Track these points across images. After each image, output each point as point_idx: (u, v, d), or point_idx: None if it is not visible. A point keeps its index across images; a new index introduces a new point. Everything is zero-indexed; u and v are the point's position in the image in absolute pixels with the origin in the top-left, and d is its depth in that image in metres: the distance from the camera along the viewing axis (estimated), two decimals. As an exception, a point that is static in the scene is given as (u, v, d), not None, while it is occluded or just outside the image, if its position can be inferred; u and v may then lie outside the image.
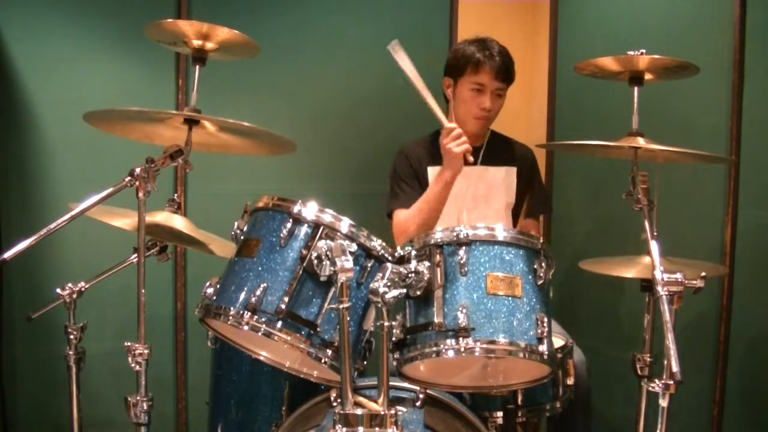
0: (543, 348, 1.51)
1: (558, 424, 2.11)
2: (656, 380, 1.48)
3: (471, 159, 2.13)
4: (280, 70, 2.72)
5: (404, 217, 2.27)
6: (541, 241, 1.61)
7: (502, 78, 2.29)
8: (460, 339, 1.48)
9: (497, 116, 2.38)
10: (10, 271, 2.51)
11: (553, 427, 2.15)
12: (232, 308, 1.53)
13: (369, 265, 1.57)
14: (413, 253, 1.58)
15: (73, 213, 1.49)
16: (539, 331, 1.51)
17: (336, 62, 2.81)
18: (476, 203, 2.34)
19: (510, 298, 1.52)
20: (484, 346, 1.49)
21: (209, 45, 1.76)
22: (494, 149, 2.41)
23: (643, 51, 1.77)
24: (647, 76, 1.84)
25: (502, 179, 2.39)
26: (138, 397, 1.56)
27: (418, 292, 1.53)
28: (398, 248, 1.62)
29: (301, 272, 1.52)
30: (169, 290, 2.67)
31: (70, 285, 1.79)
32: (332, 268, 1.47)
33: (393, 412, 1.44)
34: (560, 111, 2.95)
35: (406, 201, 2.33)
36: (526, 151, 2.48)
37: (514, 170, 2.40)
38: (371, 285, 1.44)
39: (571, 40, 2.88)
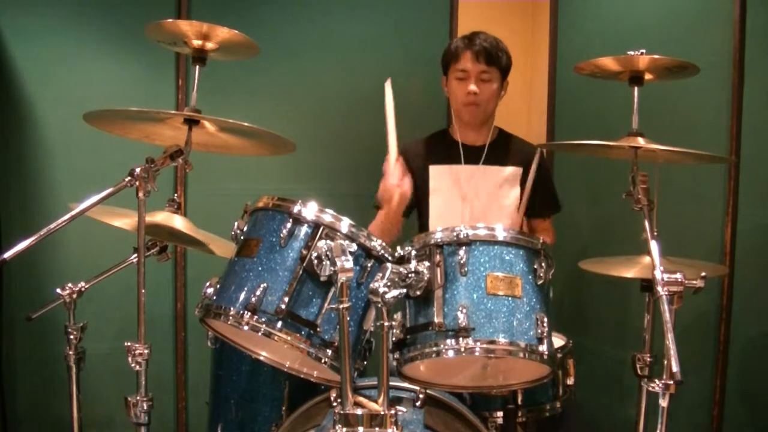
0: (543, 348, 1.51)
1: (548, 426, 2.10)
2: (656, 380, 1.48)
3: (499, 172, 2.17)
4: (280, 70, 2.72)
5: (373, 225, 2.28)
6: (542, 241, 1.61)
7: (484, 60, 2.28)
8: (460, 339, 1.48)
9: (494, 107, 2.36)
10: (10, 271, 2.51)
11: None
12: (232, 308, 1.52)
13: (369, 265, 1.57)
14: (413, 253, 1.58)
15: (73, 213, 1.49)
16: (539, 331, 1.51)
17: (336, 62, 2.81)
18: (482, 203, 2.33)
19: (510, 298, 1.52)
20: (484, 346, 1.49)
21: (209, 45, 1.76)
22: (499, 148, 2.39)
23: (643, 51, 1.77)
24: (647, 76, 1.84)
25: (507, 179, 2.37)
26: (138, 397, 1.55)
27: (418, 292, 1.53)
28: (398, 248, 1.62)
29: (301, 272, 1.52)
30: (169, 290, 2.67)
31: (70, 285, 1.79)
32: (332, 268, 1.47)
33: (393, 412, 1.44)
34: (560, 111, 2.95)
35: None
36: (532, 150, 2.42)
37: (519, 170, 2.38)
38: (371, 285, 1.44)
39: (571, 40, 2.88)
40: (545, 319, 1.53)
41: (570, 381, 1.94)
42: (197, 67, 1.78)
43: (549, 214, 2.50)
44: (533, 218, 2.46)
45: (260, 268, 1.55)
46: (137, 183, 1.52)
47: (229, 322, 1.53)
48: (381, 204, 2.23)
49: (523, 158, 2.40)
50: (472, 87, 2.29)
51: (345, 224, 1.56)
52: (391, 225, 2.23)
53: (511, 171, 2.39)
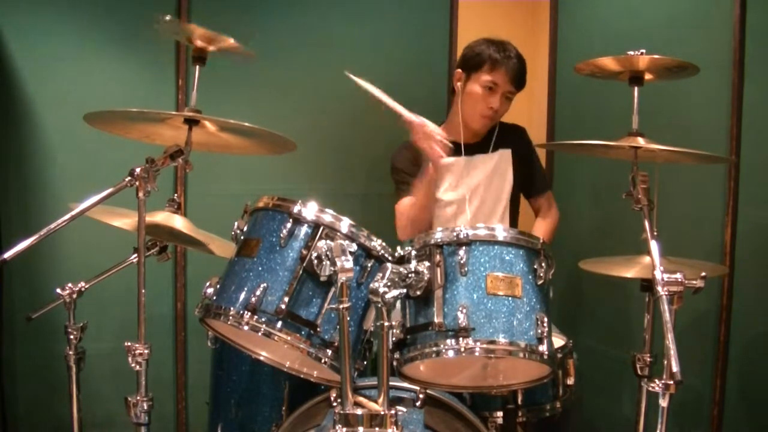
0: (543, 348, 1.51)
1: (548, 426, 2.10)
2: (656, 380, 1.48)
3: (447, 149, 2.14)
4: (280, 70, 2.72)
5: (402, 206, 2.31)
6: (541, 240, 1.61)
7: (516, 83, 2.31)
8: (460, 339, 1.48)
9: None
10: (10, 271, 2.51)
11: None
12: (232, 308, 1.53)
13: (369, 265, 1.57)
14: (413, 253, 1.58)
15: (73, 213, 1.49)
16: (539, 331, 1.51)
17: (336, 62, 2.79)
18: (477, 191, 2.34)
19: (510, 298, 1.52)
20: (484, 346, 1.49)
21: (211, 48, 1.76)
22: (487, 136, 2.42)
23: (643, 51, 1.77)
24: (647, 76, 1.84)
25: (498, 163, 2.39)
26: (138, 397, 1.56)
27: (418, 292, 1.53)
28: (398, 248, 1.62)
29: (301, 272, 1.52)
30: (169, 290, 2.67)
31: (70, 285, 1.79)
32: (332, 268, 1.47)
33: (393, 412, 1.44)
34: (560, 111, 2.95)
35: (409, 191, 2.35)
36: (518, 131, 2.49)
37: (508, 152, 2.41)
38: (371, 285, 1.44)
39: (571, 40, 2.88)
40: (545, 319, 1.53)
41: (570, 381, 1.94)
42: (197, 67, 1.78)
43: (545, 189, 2.53)
44: (533, 197, 2.50)
45: (260, 268, 1.55)
46: (137, 183, 1.52)
47: (229, 322, 1.53)
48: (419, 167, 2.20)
49: (509, 139, 2.43)
50: (497, 104, 2.31)
51: (345, 224, 1.56)
52: (428, 201, 2.24)
53: (501, 154, 2.40)
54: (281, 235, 1.55)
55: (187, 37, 1.75)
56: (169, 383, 2.69)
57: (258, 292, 1.50)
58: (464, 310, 1.49)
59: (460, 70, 2.39)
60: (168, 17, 1.71)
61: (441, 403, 1.70)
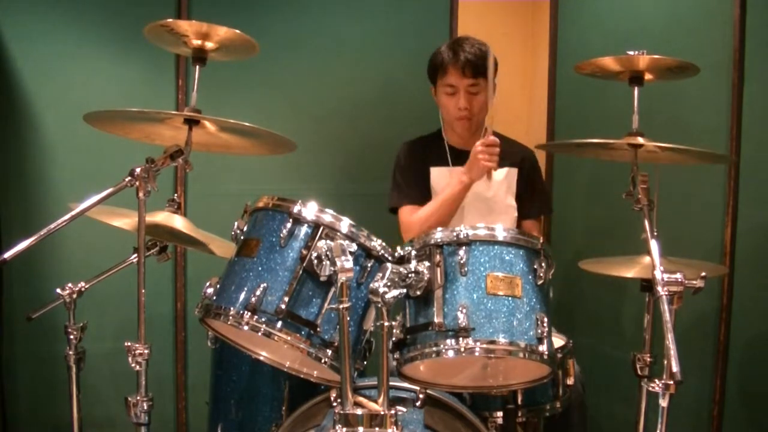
0: (543, 348, 1.51)
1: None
2: (656, 380, 1.48)
3: (494, 173, 2.17)
4: (280, 70, 2.72)
5: (417, 219, 2.27)
6: (541, 241, 1.61)
7: (470, 73, 2.23)
8: (460, 339, 1.48)
9: (486, 114, 2.30)
10: (10, 271, 2.51)
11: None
12: (232, 308, 1.53)
13: (369, 265, 1.57)
14: (413, 253, 1.58)
15: (73, 213, 1.49)
16: (539, 331, 1.51)
17: (336, 62, 2.81)
18: (480, 204, 2.34)
19: (510, 298, 1.52)
20: (484, 346, 1.49)
21: (209, 45, 1.75)
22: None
23: (644, 51, 1.77)
24: (647, 76, 1.84)
25: (504, 180, 2.38)
26: (138, 397, 1.56)
27: (418, 292, 1.53)
28: (398, 248, 1.62)
29: (301, 272, 1.52)
30: (169, 290, 2.67)
31: (70, 285, 1.79)
32: (332, 268, 1.47)
33: (393, 412, 1.44)
34: (560, 111, 2.95)
35: (413, 196, 2.34)
36: (526, 152, 2.46)
37: (515, 171, 2.39)
38: (371, 285, 1.44)
39: (571, 40, 2.88)
40: (545, 319, 1.53)
41: (570, 381, 1.94)
42: (197, 67, 1.78)
43: (539, 214, 2.50)
44: (524, 219, 2.45)
45: (260, 268, 1.55)
46: (137, 183, 1.52)
47: (229, 322, 1.53)
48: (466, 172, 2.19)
49: (517, 158, 2.40)
50: (462, 103, 2.26)
51: (345, 224, 1.56)
52: (454, 206, 2.21)
53: (508, 171, 2.38)
54: (281, 235, 1.55)
55: (183, 41, 1.74)
56: (169, 383, 2.69)
57: (258, 292, 1.50)
58: (464, 310, 1.49)
59: (431, 85, 2.38)
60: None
61: (441, 403, 1.70)
